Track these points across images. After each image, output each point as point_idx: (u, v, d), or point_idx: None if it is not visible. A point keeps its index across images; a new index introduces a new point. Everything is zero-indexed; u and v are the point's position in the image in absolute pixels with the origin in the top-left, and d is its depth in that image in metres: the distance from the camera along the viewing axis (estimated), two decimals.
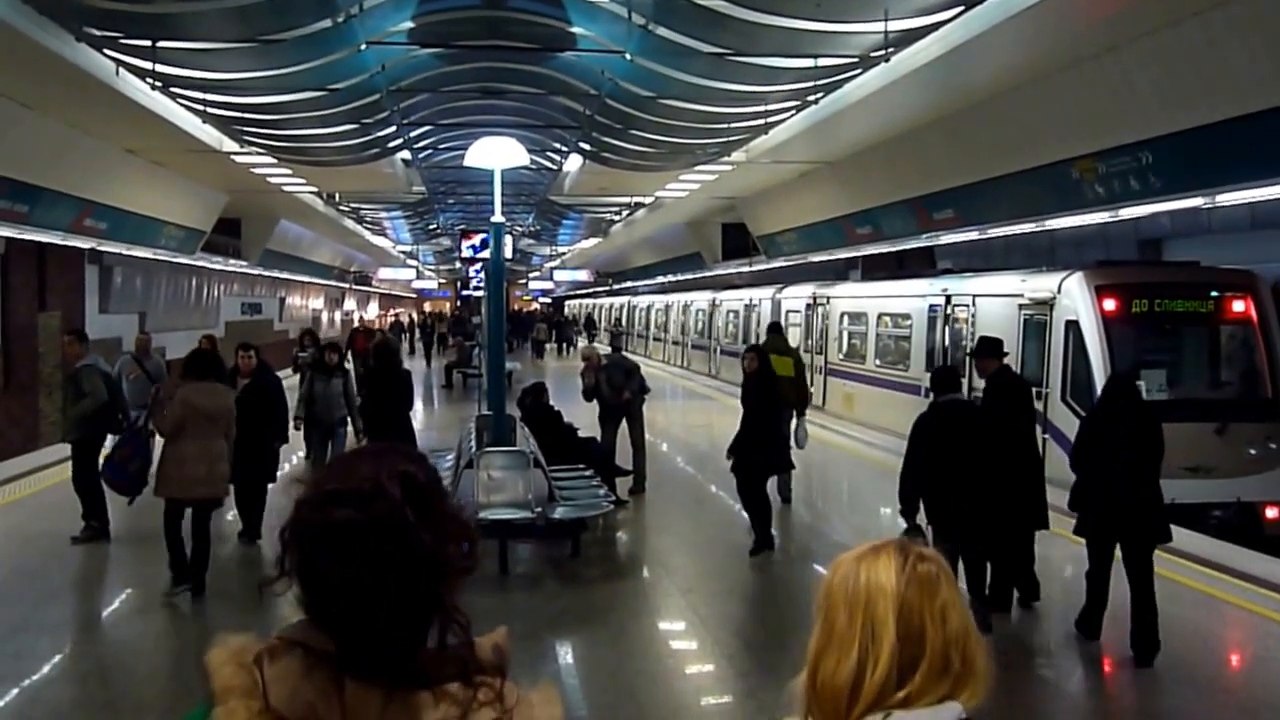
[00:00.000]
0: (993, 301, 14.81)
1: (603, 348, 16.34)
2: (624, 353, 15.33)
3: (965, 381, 12.52)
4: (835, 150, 17.88)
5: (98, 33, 11.24)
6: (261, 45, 12.25)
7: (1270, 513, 11.88)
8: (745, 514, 10.69)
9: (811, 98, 14.24)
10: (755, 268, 29.85)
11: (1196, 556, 9.77)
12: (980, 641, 1.67)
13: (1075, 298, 12.80)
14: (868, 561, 1.71)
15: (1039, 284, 13.69)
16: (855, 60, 12.38)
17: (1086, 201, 13.09)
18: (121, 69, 12.49)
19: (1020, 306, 13.91)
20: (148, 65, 12.24)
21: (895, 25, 11.10)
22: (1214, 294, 12.98)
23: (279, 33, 12.00)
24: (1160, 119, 11.06)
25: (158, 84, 13.12)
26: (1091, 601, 7.82)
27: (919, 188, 16.97)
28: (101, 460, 10.13)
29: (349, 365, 15.45)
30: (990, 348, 9.19)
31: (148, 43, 11.71)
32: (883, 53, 11.71)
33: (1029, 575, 8.64)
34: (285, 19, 11.93)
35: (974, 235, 17.12)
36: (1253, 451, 12.15)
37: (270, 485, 10.30)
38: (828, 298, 21.80)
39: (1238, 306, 12.89)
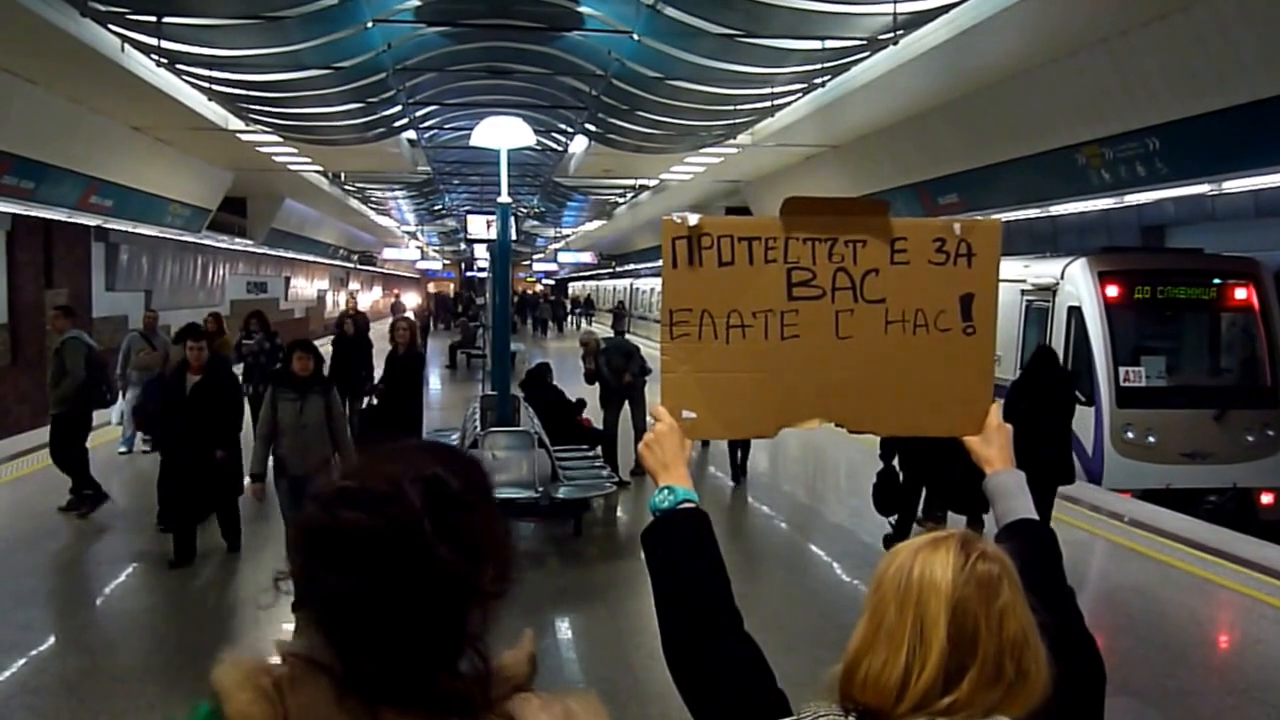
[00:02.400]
0: None
1: (604, 330, 16.29)
2: (626, 335, 15.37)
3: None
4: (841, 134, 17.86)
5: (103, 8, 11.18)
6: (267, 22, 12.20)
7: (1265, 499, 12.01)
8: (747, 496, 10.74)
9: (818, 80, 14.22)
10: None
11: (1190, 540, 9.85)
12: (1039, 651, 1.54)
13: (1078, 283, 12.91)
14: (925, 554, 1.58)
15: (1042, 269, 13.78)
16: (863, 43, 12.33)
17: (1092, 187, 13.09)
18: (127, 45, 12.46)
19: (1023, 292, 13.98)
20: (153, 41, 12.19)
21: (904, 7, 11.05)
22: (1216, 281, 13.07)
23: (285, 9, 11.95)
24: (1168, 105, 11.04)
25: (163, 60, 13.09)
26: None
27: (924, 172, 16.96)
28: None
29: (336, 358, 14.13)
30: None
31: (153, 18, 11.66)
32: (891, 35, 11.67)
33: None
34: None
35: (978, 220, 17.12)
36: (1250, 438, 12.26)
37: (240, 498, 9.17)
38: None
39: (1240, 294, 13.00)
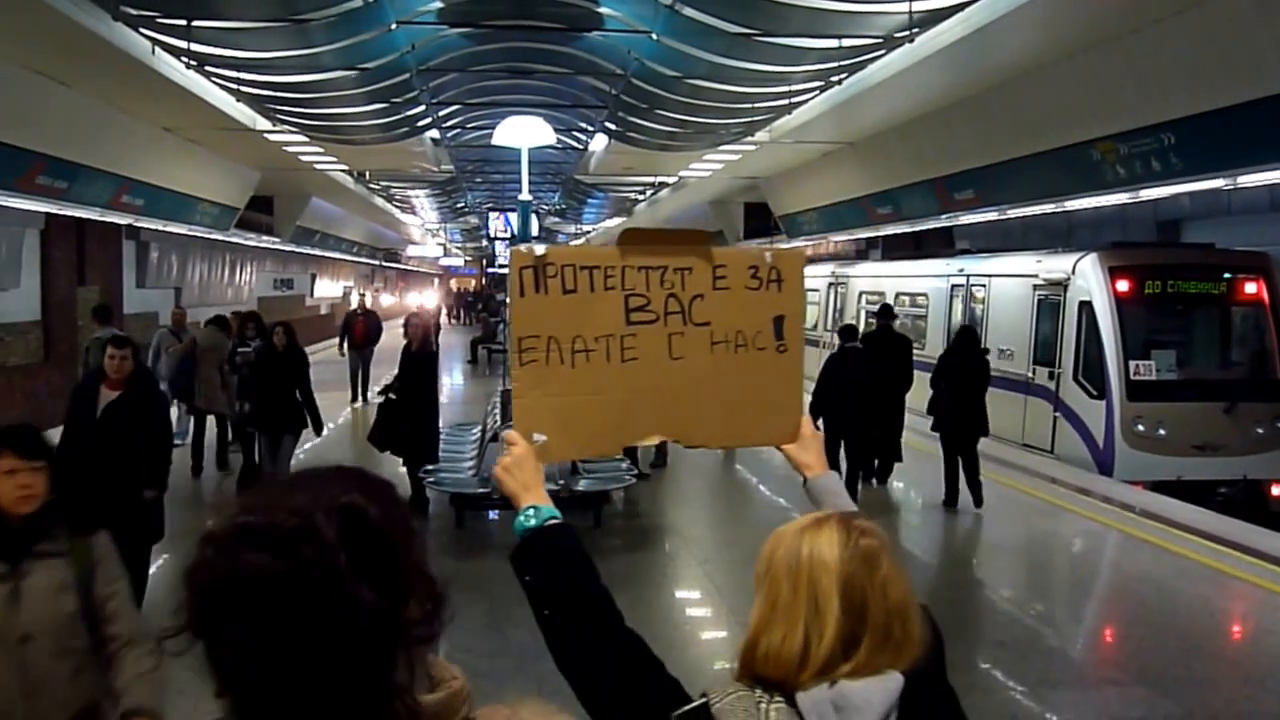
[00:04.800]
0: (1007, 281, 15.25)
1: None
2: None
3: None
4: (857, 131, 17.93)
5: (134, 12, 11.41)
6: (294, 25, 12.42)
7: (1277, 490, 12.15)
8: (761, 487, 10.90)
9: (835, 78, 14.32)
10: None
11: (1204, 531, 9.94)
12: (917, 611, 1.73)
13: (1089, 278, 13.15)
14: (810, 535, 1.73)
15: (1053, 265, 14.05)
16: (879, 40, 12.43)
17: (1107, 183, 13.10)
18: (158, 48, 12.68)
19: (1035, 287, 14.28)
20: (183, 44, 12.41)
21: (920, 6, 11.14)
22: (1227, 276, 13.23)
23: (311, 12, 12.17)
24: (1183, 100, 11.08)
25: (193, 63, 13.31)
26: (947, 480, 11.17)
27: (940, 168, 16.98)
28: None
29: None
30: (885, 312, 13.35)
31: (183, 22, 11.89)
32: (907, 33, 11.76)
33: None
34: None
35: (993, 216, 17.19)
36: (1261, 430, 12.43)
37: (155, 544, 7.29)
38: (847, 277, 22.26)
39: (1250, 288, 13.19)
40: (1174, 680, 6.73)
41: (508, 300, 2.13)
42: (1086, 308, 13.13)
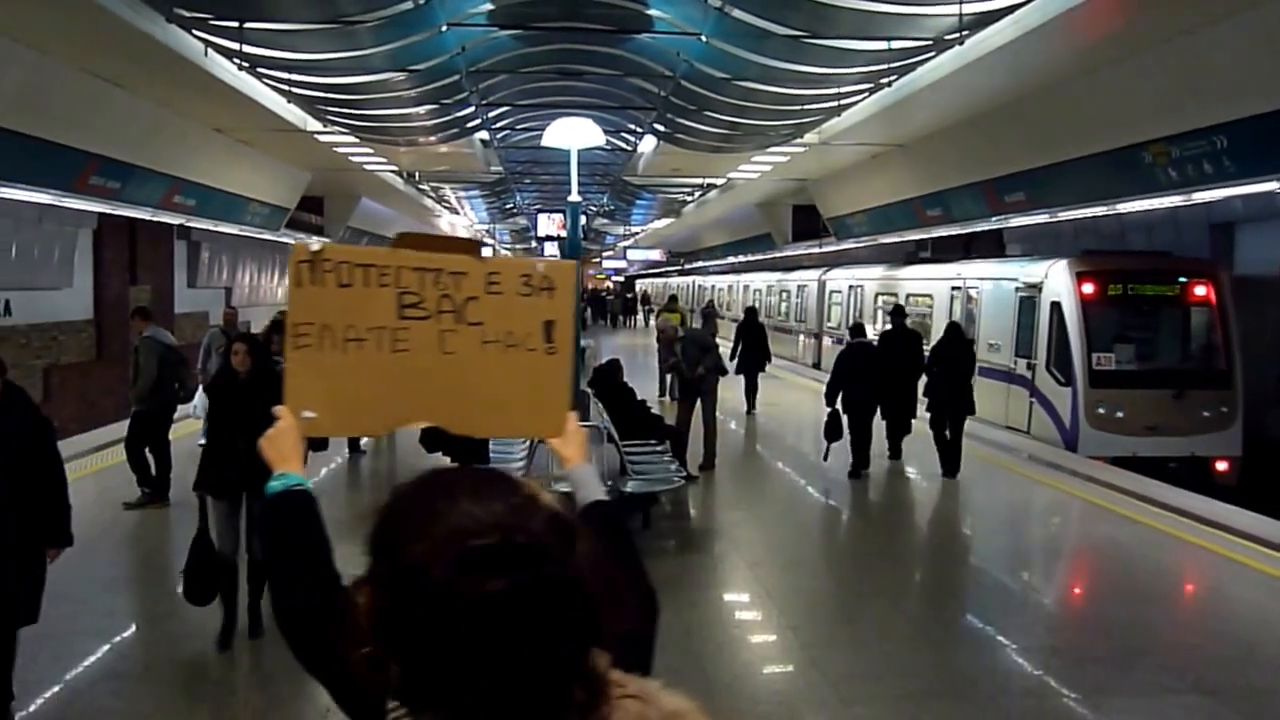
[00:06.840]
0: (995, 285, 17.09)
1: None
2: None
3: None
4: (907, 133, 17.83)
5: (187, 14, 11.58)
6: (345, 27, 12.56)
7: (1220, 465, 14.15)
8: (809, 489, 10.83)
9: (885, 80, 14.26)
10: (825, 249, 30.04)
11: (1259, 537, 9.78)
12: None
13: (1059, 281, 14.99)
14: None
15: (1031, 270, 16.02)
16: (929, 43, 12.38)
17: (1159, 185, 13.04)
18: (210, 50, 12.86)
19: (1016, 289, 16.06)
20: (235, 46, 12.60)
21: (970, 8, 11.10)
22: (1180, 280, 15.04)
23: (362, 15, 12.30)
24: (1236, 103, 10.96)
25: (245, 65, 13.50)
26: (940, 453, 12.72)
27: (990, 170, 16.96)
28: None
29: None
30: (898, 312, 14.88)
31: (235, 24, 12.06)
32: (957, 35, 11.71)
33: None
34: (369, 1, 12.24)
35: (1044, 218, 17.11)
36: (1206, 414, 14.30)
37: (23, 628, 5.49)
38: (864, 281, 24.65)
39: (1200, 291, 14.98)
40: (1232, 689, 6.58)
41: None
42: (1057, 307, 14.90)
